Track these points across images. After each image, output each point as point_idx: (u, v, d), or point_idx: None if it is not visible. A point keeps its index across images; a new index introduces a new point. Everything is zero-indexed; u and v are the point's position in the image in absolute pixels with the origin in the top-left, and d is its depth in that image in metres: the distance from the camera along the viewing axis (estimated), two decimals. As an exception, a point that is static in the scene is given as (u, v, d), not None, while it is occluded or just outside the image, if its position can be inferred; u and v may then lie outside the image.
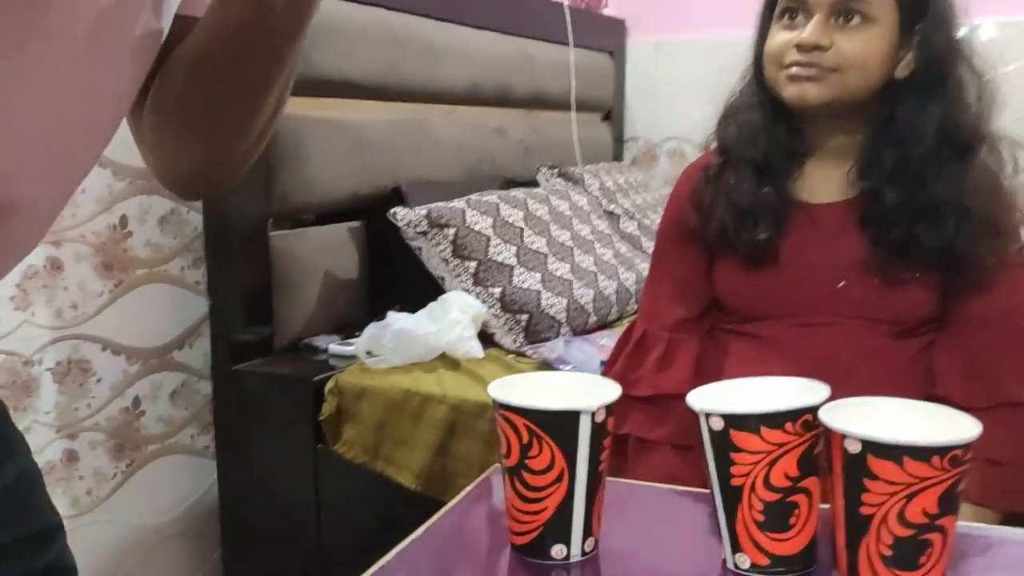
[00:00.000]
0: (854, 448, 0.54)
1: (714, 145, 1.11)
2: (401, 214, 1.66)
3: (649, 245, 2.22)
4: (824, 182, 1.04)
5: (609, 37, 2.80)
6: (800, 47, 0.98)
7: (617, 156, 2.89)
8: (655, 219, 2.37)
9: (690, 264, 1.10)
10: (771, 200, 1.02)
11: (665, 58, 2.87)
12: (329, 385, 1.44)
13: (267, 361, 1.57)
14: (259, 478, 1.56)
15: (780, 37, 1.01)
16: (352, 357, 1.54)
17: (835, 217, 1.03)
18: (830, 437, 0.57)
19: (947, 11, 1.01)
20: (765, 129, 1.04)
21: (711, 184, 1.07)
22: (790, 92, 1.00)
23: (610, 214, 2.22)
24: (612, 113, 2.87)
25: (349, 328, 1.70)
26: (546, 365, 1.51)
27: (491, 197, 1.79)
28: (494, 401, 0.63)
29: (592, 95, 2.66)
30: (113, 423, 1.47)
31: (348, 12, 1.70)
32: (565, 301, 1.69)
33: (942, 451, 0.52)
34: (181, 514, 1.61)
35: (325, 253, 1.69)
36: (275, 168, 1.56)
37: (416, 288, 1.69)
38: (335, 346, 1.59)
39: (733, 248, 1.04)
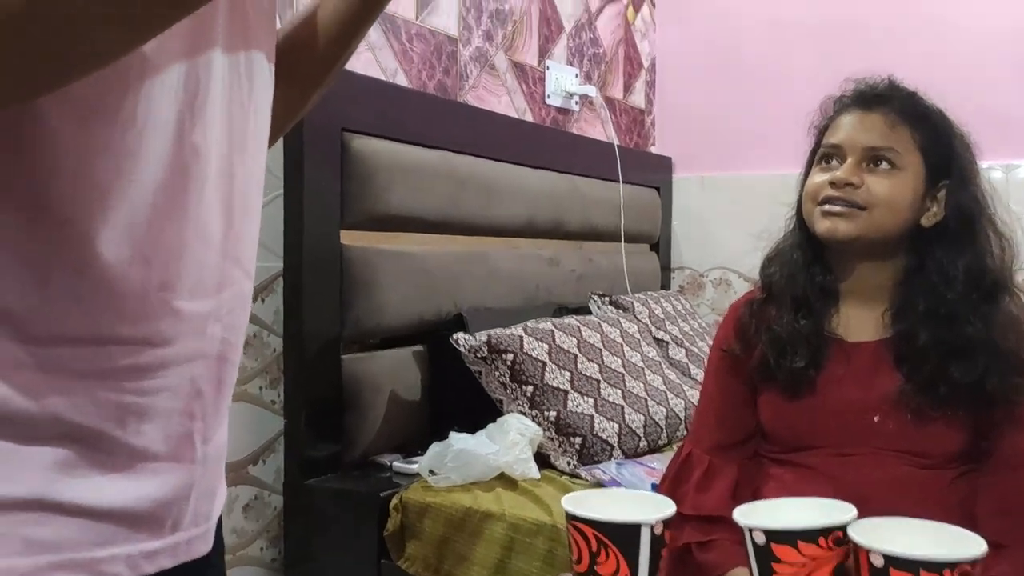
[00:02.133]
0: (878, 562, 0.62)
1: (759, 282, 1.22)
2: (463, 340, 1.77)
3: (697, 372, 2.30)
4: (859, 321, 1.14)
5: (656, 173, 2.97)
6: (833, 183, 1.09)
7: (665, 284, 3.01)
8: (702, 346, 2.46)
9: (733, 393, 1.19)
10: (808, 333, 1.12)
11: (709, 193, 3.02)
12: (393, 502, 1.53)
13: (336, 477, 1.67)
14: (322, 590, 1.63)
15: (817, 178, 1.12)
16: (415, 475, 1.63)
17: (870, 355, 1.12)
18: (858, 552, 0.64)
19: (970, 170, 1.12)
20: (804, 268, 1.14)
21: (754, 317, 1.17)
22: (823, 226, 1.10)
23: (659, 341, 2.31)
24: (659, 244, 3.00)
25: (412, 446, 1.80)
26: (599, 487, 1.58)
27: (546, 324, 1.90)
28: (567, 513, 0.72)
29: (641, 227, 2.80)
30: (191, 534, 1.56)
31: (418, 155, 1.87)
32: (617, 426, 1.77)
33: (952, 565, 0.60)
34: (246, 626, 1.68)
35: (391, 375, 1.81)
36: (349, 296, 1.70)
37: (475, 409, 1.79)
38: (399, 464, 1.69)
39: (774, 378, 1.13)
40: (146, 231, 0.55)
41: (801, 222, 1.16)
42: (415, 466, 1.64)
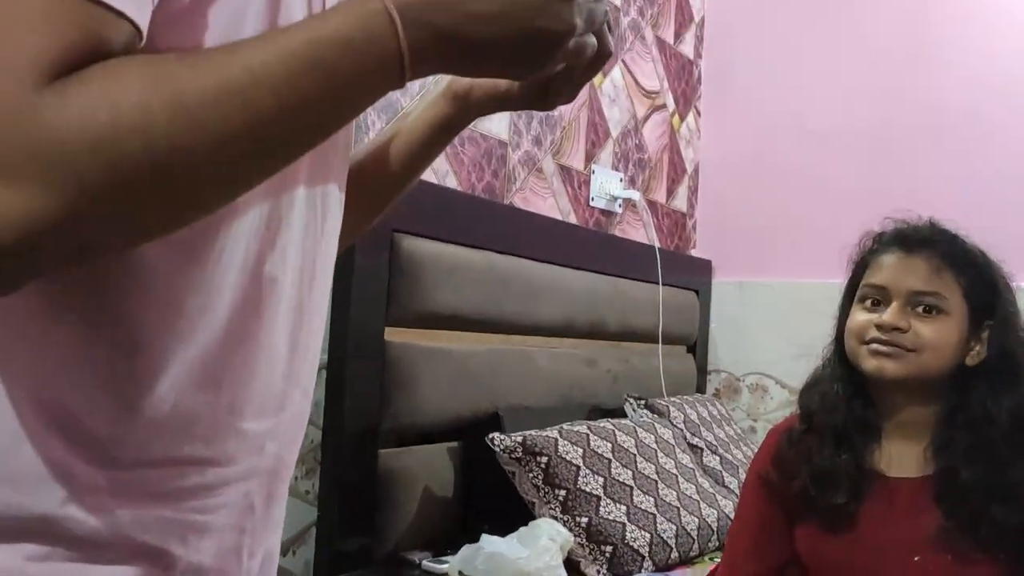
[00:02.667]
0: None
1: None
2: (498, 440, 1.78)
3: (731, 480, 2.28)
4: (901, 456, 1.14)
5: (696, 276, 3.00)
6: (881, 327, 1.11)
7: (701, 387, 3.00)
8: (737, 454, 2.44)
9: (770, 521, 1.19)
10: (849, 468, 1.12)
11: (748, 297, 3.03)
12: (421, 604, 1.52)
13: (365, 573, 1.66)
14: None
15: (862, 317, 1.14)
16: (444, 575, 1.62)
17: (911, 492, 1.11)
18: None
19: (1013, 310, 1.13)
20: (844, 401, 1.15)
21: (794, 448, 1.17)
22: (871, 365, 1.11)
23: (693, 447, 2.30)
24: (697, 346, 3.01)
25: (442, 544, 1.79)
26: (629, 599, 1.56)
27: (582, 428, 1.91)
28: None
29: (679, 329, 2.82)
30: (218, 623, 1.56)
31: (464, 255, 1.92)
32: (648, 536, 1.76)
33: None
34: None
35: (426, 471, 1.82)
36: (389, 391, 1.73)
37: (507, 510, 1.79)
38: (428, 563, 1.68)
39: (813, 511, 1.13)
40: (219, 357, 0.58)
41: (841, 355, 1.17)
42: (444, 566, 1.63)
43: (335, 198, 0.70)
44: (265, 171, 0.52)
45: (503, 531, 1.69)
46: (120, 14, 0.46)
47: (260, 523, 0.66)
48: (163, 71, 0.46)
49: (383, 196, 0.84)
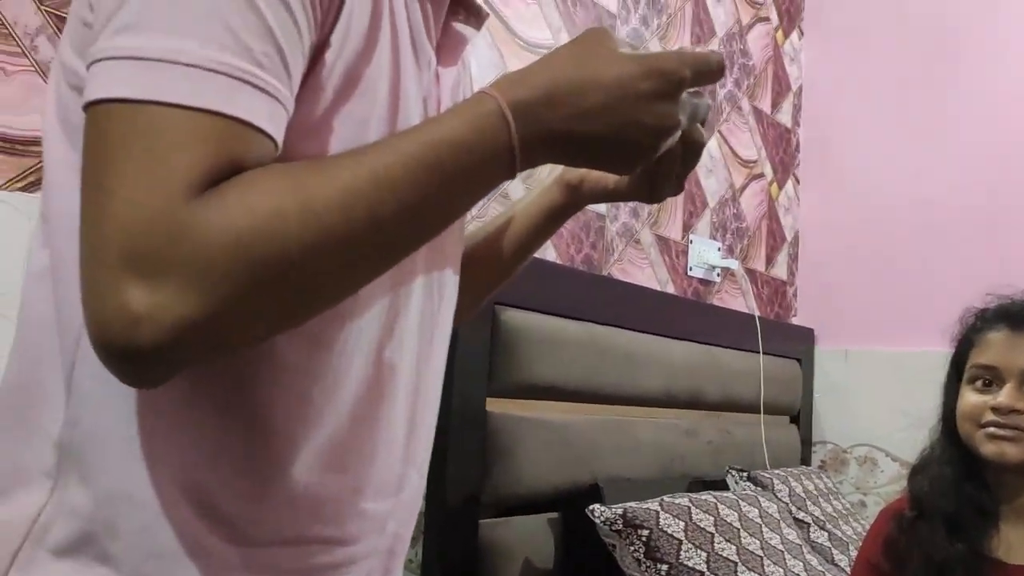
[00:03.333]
0: None
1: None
2: (599, 512, 1.78)
3: (841, 558, 2.20)
4: (1021, 542, 1.09)
5: (797, 345, 2.94)
6: (997, 410, 1.08)
7: (806, 459, 2.91)
8: (846, 530, 2.36)
9: None
10: (965, 557, 1.08)
11: (853, 366, 2.95)
12: (524, 677, 1.51)
13: (465, 645, 1.67)
14: None
15: (974, 398, 1.11)
16: (544, 649, 1.61)
17: None
18: None
19: None
20: (956, 484, 1.12)
21: (904, 534, 1.14)
22: (990, 449, 1.08)
23: (800, 522, 2.23)
24: (800, 417, 2.94)
25: (541, 618, 1.79)
26: None
27: (683, 500, 1.89)
28: None
29: (780, 399, 2.76)
30: None
31: (563, 327, 1.95)
32: (755, 614, 1.71)
33: None
34: None
35: (525, 542, 1.82)
36: (490, 463, 1.75)
37: (607, 584, 1.77)
38: (529, 636, 1.68)
39: None
40: (345, 441, 0.62)
41: (951, 436, 1.15)
42: (545, 640, 1.63)
43: (450, 283, 0.74)
44: (387, 265, 0.56)
45: (604, 606, 1.68)
46: (260, 131, 0.51)
47: None
48: (295, 180, 0.51)
49: (496, 278, 0.88)
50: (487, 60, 1.90)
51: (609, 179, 0.78)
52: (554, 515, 1.90)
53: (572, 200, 0.83)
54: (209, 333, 0.48)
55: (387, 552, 0.69)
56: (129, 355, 0.47)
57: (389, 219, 0.52)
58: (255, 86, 0.50)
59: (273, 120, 0.52)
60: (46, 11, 1.17)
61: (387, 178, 0.52)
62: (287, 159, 0.55)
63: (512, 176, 0.57)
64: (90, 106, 0.49)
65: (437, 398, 0.75)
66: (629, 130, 0.58)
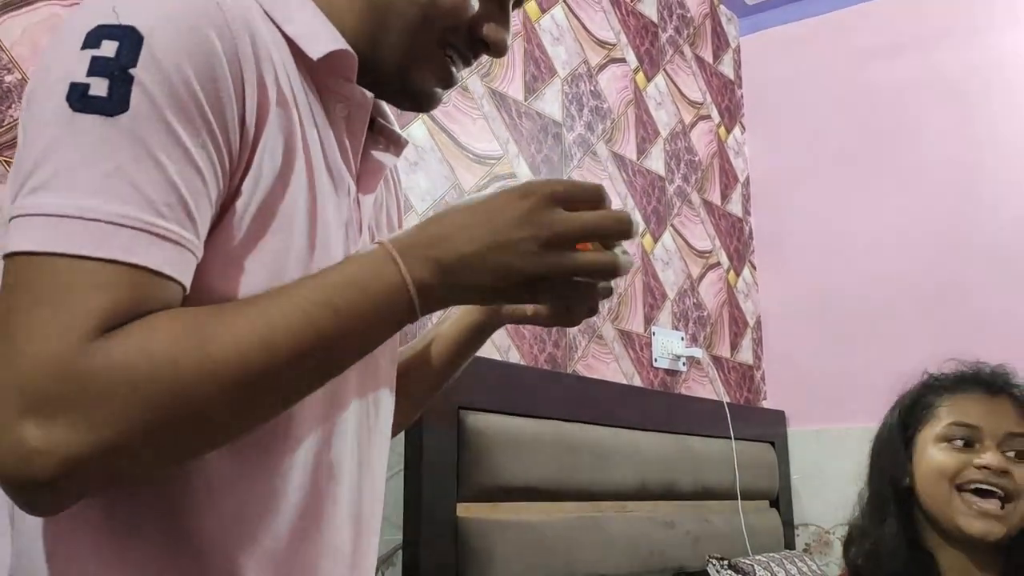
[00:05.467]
0: None
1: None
2: (577, 612, 1.76)
3: (829, 642, 2.17)
4: None
5: (770, 428, 2.96)
6: (987, 468, 1.06)
7: (789, 542, 2.90)
8: (833, 613, 2.34)
9: None
10: None
11: (828, 446, 2.97)
12: None
13: None
14: None
15: (950, 457, 1.10)
16: None
17: None
18: None
19: None
20: (903, 558, 1.11)
21: None
22: (975, 526, 1.04)
23: (784, 608, 2.22)
24: (779, 500, 2.93)
25: None
26: None
27: (662, 594, 1.88)
28: None
29: (757, 483, 2.76)
30: None
31: (530, 427, 1.97)
32: None
33: None
34: None
35: (506, 650, 1.79)
36: (464, 568, 1.74)
37: None
38: None
39: None
40: (284, 555, 0.65)
41: (897, 500, 1.14)
42: None
43: (386, 399, 0.78)
44: (289, 402, 0.60)
45: None
46: (162, 275, 0.55)
47: None
48: (194, 326, 0.55)
49: (427, 390, 0.92)
50: (438, 174, 1.98)
51: (526, 306, 0.82)
52: (535, 620, 1.88)
53: (490, 321, 0.87)
54: (100, 466, 0.52)
55: None
56: (25, 486, 0.51)
57: (286, 360, 0.56)
58: (156, 235, 0.55)
59: (176, 265, 0.56)
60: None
61: (283, 322, 0.56)
62: (205, 294, 0.59)
63: (413, 317, 0.60)
64: (6, 258, 0.54)
65: (380, 509, 0.77)
66: (509, 272, 0.59)
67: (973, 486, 1.07)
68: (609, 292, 0.68)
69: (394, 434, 0.91)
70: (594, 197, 0.62)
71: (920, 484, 1.12)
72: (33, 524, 0.59)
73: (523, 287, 0.61)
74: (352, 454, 0.71)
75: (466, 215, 0.61)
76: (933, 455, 1.11)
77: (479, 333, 0.89)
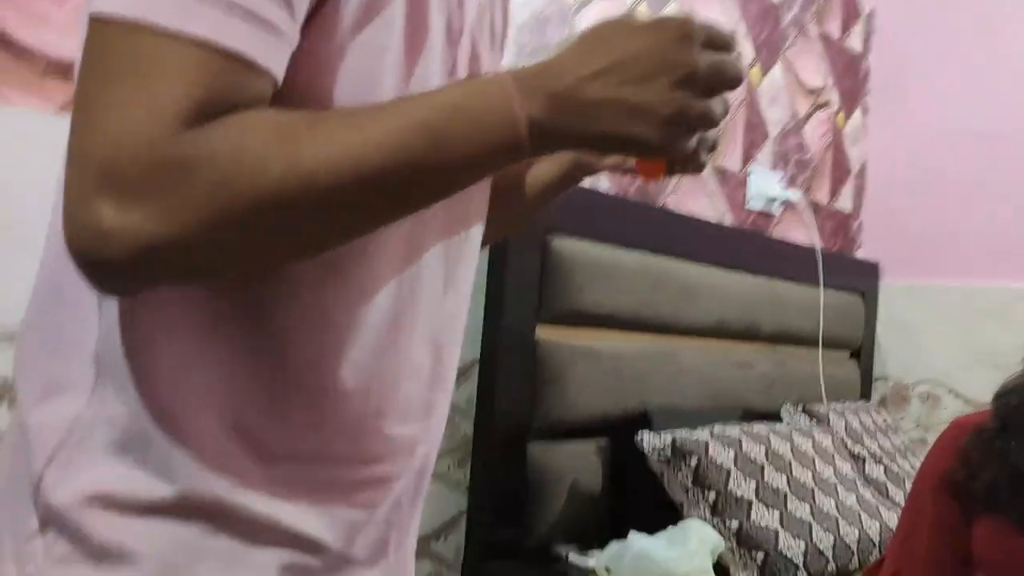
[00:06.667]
0: None
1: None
2: (647, 439, 1.78)
3: (896, 492, 2.17)
4: None
5: (861, 279, 2.87)
6: None
7: (865, 395, 2.87)
8: (904, 465, 2.32)
9: (947, 519, 1.13)
10: None
11: (919, 301, 2.88)
12: (567, 596, 1.55)
13: (512, 565, 1.71)
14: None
15: None
16: (590, 570, 1.64)
17: None
18: None
19: None
20: None
21: (984, 444, 1.11)
22: None
23: (855, 456, 2.21)
24: (861, 352, 2.88)
25: (588, 539, 1.81)
26: (779, 606, 1.52)
27: (734, 431, 1.88)
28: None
29: (841, 333, 2.71)
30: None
31: (616, 255, 1.93)
32: (804, 544, 1.71)
33: None
34: None
35: (574, 467, 1.84)
36: (540, 389, 1.77)
37: (654, 509, 1.79)
38: (575, 557, 1.71)
39: (1001, 512, 1.07)
40: (368, 367, 0.63)
41: None
42: (591, 561, 1.65)
43: (475, 227, 0.74)
44: (377, 224, 0.56)
45: (650, 530, 1.69)
46: (255, 64, 0.51)
47: (407, 518, 0.71)
48: (288, 129, 0.51)
49: (509, 220, 0.89)
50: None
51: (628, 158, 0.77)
52: (603, 441, 1.91)
53: (589, 165, 0.83)
54: (175, 257, 0.50)
55: (418, 473, 0.71)
56: (96, 265, 0.49)
57: (377, 179, 0.51)
58: (251, 13, 0.50)
59: (271, 52, 0.51)
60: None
61: (378, 137, 0.51)
62: (296, 95, 0.54)
63: (523, 153, 0.55)
64: (90, 20, 0.50)
65: (460, 331, 0.75)
66: (640, 82, 0.53)
67: None
68: (714, 147, 0.64)
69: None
70: (728, 44, 0.56)
71: None
72: (125, 310, 0.58)
73: (652, 127, 0.54)
74: (436, 277, 0.68)
75: (591, 49, 0.54)
76: None
77: (575, 175, 0.84)
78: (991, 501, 1.08)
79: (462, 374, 1.78)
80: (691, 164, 0.68)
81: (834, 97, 2.87)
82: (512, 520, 1.75)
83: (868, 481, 2.15)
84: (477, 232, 0.74)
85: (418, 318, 0.66)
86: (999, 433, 1.11)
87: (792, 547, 1.69)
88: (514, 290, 1.74)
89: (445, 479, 1.77)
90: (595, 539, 1.82)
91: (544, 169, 0.85)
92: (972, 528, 1.11)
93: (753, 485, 1.76)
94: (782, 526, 1.72)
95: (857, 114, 2.98)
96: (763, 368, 2.38)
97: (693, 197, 2.32)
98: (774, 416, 2.23)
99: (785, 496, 1.79)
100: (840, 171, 2.92)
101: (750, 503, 1.73)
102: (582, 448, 1.88)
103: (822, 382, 2.54)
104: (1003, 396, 1.14)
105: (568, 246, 1.82)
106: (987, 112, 2.75)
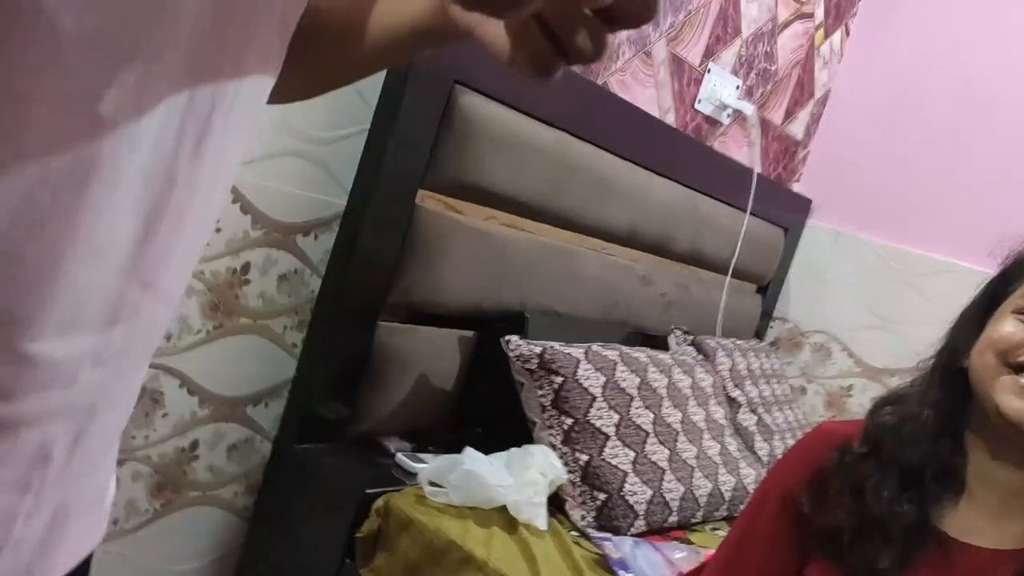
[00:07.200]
0: None
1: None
2: (514, 344, 1.57)
3: (761, 446, 2.06)
4: (979, 521, 0.88)
5: (789, 213, 2.68)
6: None
7: (760, 332, 2.74)
8: (778, 417, 2.21)
9: (783, 541, 0.96)
10: (909, 524, 0.87)
11: (840, 250, 2.72)
12: (378, 503, 1.36)
13: (332, 449, 1.51)
14: (283, 560, 1.49)
15: (1012, 328, 0.86)
16: (414, 475, 1.46)
17: (982, 564, 0.87)
18: None
19: None
20: (931, 438, 0.89)
21: (843, 472, 0.93)
22: (1015, 406, 0.84)
23: (731, 400, 2.07)
24: (768, 289, 2.73)
25: (425, 438, 1.63)
26: (603, 563, 1.37)
27: (611, 353, 1.69)
28: None
29: (753, 266, 2.54)
30: (164, 460, 1.44)
31: (532, 130, 1.66)
32: (650, 493, 1.55)
33: None
34: (200, 567, 1.55)
35: (426, 355, 1.63)
36: (406, 261, 1.52)
37: (506, 420, 1.61)
38: (403, 457, 1.52)
39: (841, 554, 0.90)
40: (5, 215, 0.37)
41: (948, 378, 0.90)
42: (418, 466, 1.46)
43: (242, 95, 0.46)
44: None
45: (494, 443, 1.51)
46: None
47: (56, 477, 0.46)
48: None
49: (345, 71, 0.62)
50: None
51: (500, 40, 0.50)
52: (468, 334, 1.70)
53: (450, 29, 0.55)
54: None
55: (85, 412, 0.45)
56: None
57: None
58: None
59: None
60: None
61: None
62: None
63: None
64: None
65: (210, 211, 0.49)
66: None
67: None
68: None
69: (280, 101, 0.61)
70: None
71: (973, 357, 0.88)
72: None
73: None
74: (168, 133, 0.41)
75: None
76: (997, 325, 0.87)
77: (445, 30, 0.56)
78: (828, 548, 0.91)
79: (324, 225, 1.51)
80: (575, 47, 0.42)
81: (819, 11, 2.57)
82: (342, 400, 1.53)
83: (737, 430, 2.02)
84: (251, 90, 0.47)
85: (123, 172, 0.40)
86: (863, 459, 0.92)
87: (637, 493, 1.54)
88: (402, 140, 1.46)
89: (278, 340, 1.53)
90: (431, 439, 1.63)
91: (409, 10, 0.57)
92: (806, 563, 0.95)
93: (615, 419, 1.59)
94: (634, 468, 1.56)
95: (837, 36, 2.70)
96: (664, 287, 2.18)
97: (639, 83, 2.04)
98: (661, 340, 2.06)
99: (646, 436, 1.62)
100: (802, 93, 2.66)
101: (607, 438, 1.56)
102: (441, 337, 1.66)
103: (720, 313, 2.38)
104: (878, 411, 0.95)
105: (477, 105, 1.53)
106: (972, 68, 2.51)
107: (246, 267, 1.45)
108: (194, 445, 1.48)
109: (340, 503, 1.41)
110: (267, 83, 0.49)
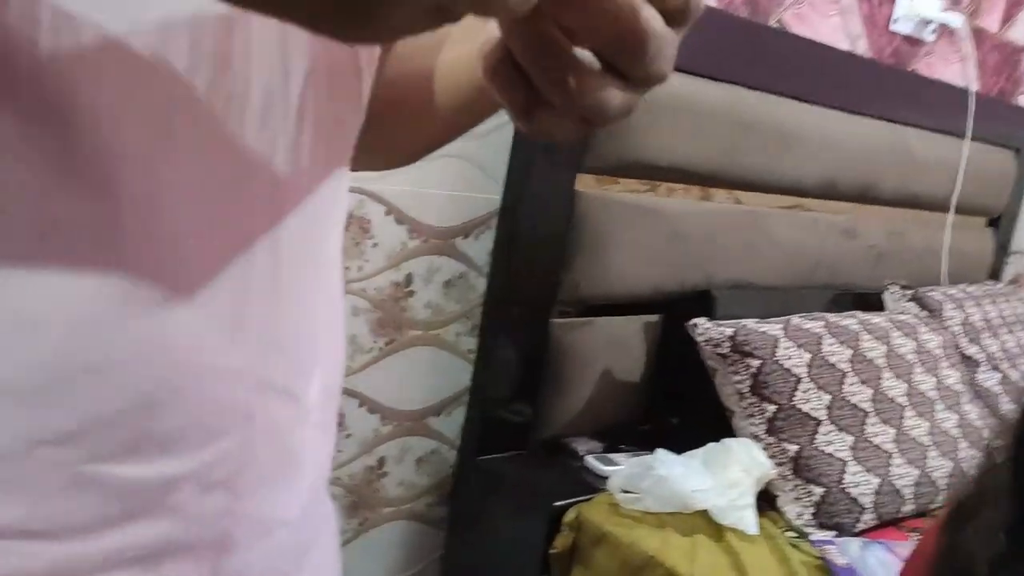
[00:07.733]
0: None
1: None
2: (702, 328, 1.43)
3: (1010, 409, 1.79)
4: None
5: (1020, 130, 2.32)
6: None
7: (995, 272, 2.40)
8: (1026, 372, 1.92)
9: None
10: None
11: (1090, 167, 2.31)
12: (569, 516, 1.27)
13: (516, 456, 1.44)
14: (482, 572, 1.45)
15: None
16: (606, 478, 1.36)
17: None
18: None
19: None
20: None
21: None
22: None
23: (967, 359, 1.81)
24: (1002, 220, 2.38)
25: (615, 435, 1.53)
26: (826, 569, 1.21)
27: (815, 325, 1.50)
28: None
29: (980, 197, 2.21)
30: (354, 480, 1.43)
31: (697, 89, 1.49)
32: (876, 482, 1.37)
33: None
34: (402, 580, 1.55)
35: (607, 349, 1.52)
36: (572, 254, 1.41)
37: (702, 410, 1.48)
38: (592, 460, 1.42)
39: None
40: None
41: None
42: (609, 469, 1.36)
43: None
44: None
45: (690, 437, 1.39)
46: None
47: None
48: None
49: (423, 141, 0.54)
50: None
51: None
52: (652, 319, 1.57)
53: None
54: None
55: (214, 548, 0.38)
56: None
57: None
58: None
59: None
60: None
61: None
62: None
63: None
64: None
65: (316, 282, 0.41)
66: None
67: None
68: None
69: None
70: None
71: None
72: None
73: None
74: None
75: None
76: None
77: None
78: None
79: (482, 223, 1.44)
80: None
81: None
82: (523, 404, 1.46)
83: (977, 393, 1.76)
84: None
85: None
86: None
87: (860, 483, 1.36)
88: (552, 127, 1.34)
89: (453, 348, 1.48)
90: (623, 435, 1.53)
91: (459, 81, 0.47)
92: None
93: (826, 400, 1.41)
94: (853, 455, 1.38)
95: (1061, -86, 2.29)
96: (873, 238, 1.94)
97: (819, 13, 1.80)
98: (874, 299, 1.83)
99: (864, 416, 1.43)
100: (1022, -10, 2.28)
101: (818, 423, 1.39)
102: (621, 327, 1.54)
103: (945, 258, 2.09)
104: (957, 521, 0.71)
105: (631, 73, 1.38)
106: None
107: (408, 278, 1.40)
108: (381, 462, 1.46)
109: (529, 515, 1.34)
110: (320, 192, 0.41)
